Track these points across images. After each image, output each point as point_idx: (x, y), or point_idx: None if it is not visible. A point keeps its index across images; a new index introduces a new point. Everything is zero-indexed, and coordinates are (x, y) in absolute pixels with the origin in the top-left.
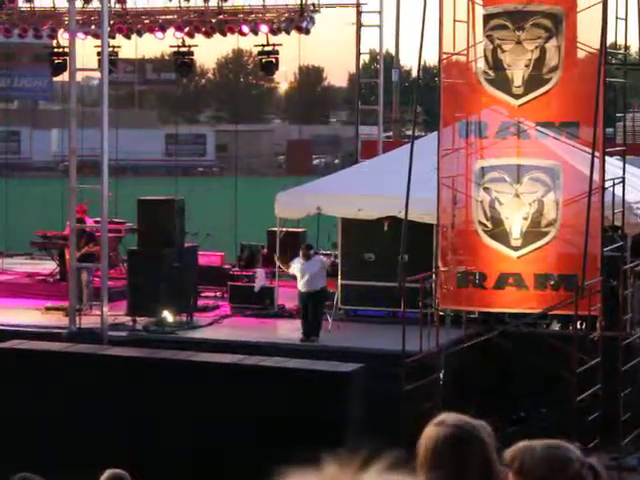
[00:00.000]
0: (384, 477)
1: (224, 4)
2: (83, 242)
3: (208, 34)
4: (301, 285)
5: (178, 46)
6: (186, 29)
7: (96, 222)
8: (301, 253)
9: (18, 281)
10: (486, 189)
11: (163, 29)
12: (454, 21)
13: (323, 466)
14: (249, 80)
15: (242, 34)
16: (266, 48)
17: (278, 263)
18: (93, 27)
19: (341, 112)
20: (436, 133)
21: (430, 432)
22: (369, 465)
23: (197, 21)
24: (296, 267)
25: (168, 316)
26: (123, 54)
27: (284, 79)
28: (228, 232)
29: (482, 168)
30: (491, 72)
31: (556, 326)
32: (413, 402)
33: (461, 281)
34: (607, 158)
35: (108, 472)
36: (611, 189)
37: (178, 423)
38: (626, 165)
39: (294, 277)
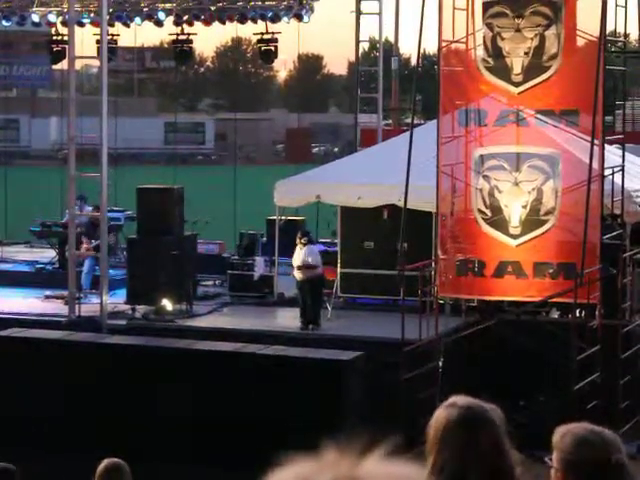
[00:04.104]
0: (384, 464)
1: None
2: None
3: (207, 22)
4: (297, 273)
5: (177, 34)
6: (185, 17)
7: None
8: (299, 242)
9: (17, 269)
10: (485, 177)
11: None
12: (453, 9)
13: (322, 453)
14: (248, 68)
15: (241, 22)
16: (265, 36)
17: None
18: (92, 15)
19: (340, 100)
20: (435, 121)
21: (441, 414)
22: (369, 452)
23: (196, 9)
24: (296, 257)
25: (167, 304)
26: (122, 42)
27: (283, 67)
28: (227, 220)
29: (481, 156)
30: (491, 60)
31: (555, 314)
32: (412, 390)
33: (460, 269)
34: (606, 146)
35: (106, 461)
36: (610, 177)
37: (177, 411)
38: (625, 153)
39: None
